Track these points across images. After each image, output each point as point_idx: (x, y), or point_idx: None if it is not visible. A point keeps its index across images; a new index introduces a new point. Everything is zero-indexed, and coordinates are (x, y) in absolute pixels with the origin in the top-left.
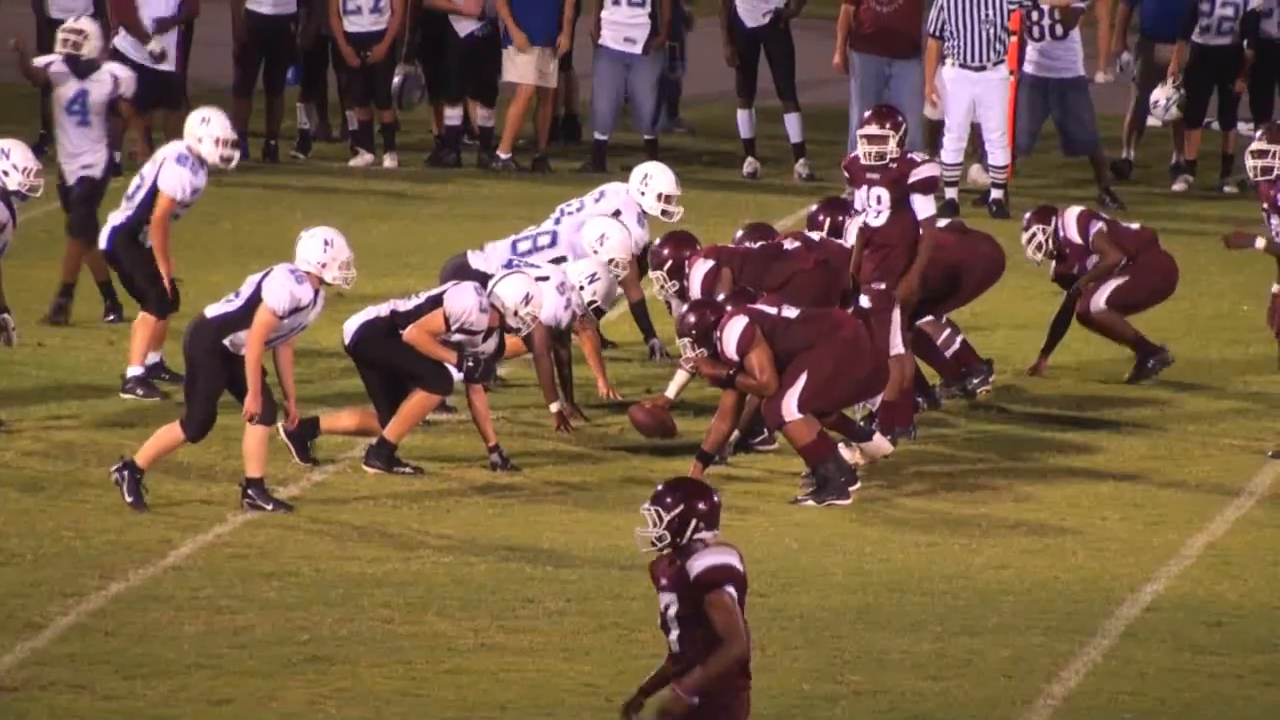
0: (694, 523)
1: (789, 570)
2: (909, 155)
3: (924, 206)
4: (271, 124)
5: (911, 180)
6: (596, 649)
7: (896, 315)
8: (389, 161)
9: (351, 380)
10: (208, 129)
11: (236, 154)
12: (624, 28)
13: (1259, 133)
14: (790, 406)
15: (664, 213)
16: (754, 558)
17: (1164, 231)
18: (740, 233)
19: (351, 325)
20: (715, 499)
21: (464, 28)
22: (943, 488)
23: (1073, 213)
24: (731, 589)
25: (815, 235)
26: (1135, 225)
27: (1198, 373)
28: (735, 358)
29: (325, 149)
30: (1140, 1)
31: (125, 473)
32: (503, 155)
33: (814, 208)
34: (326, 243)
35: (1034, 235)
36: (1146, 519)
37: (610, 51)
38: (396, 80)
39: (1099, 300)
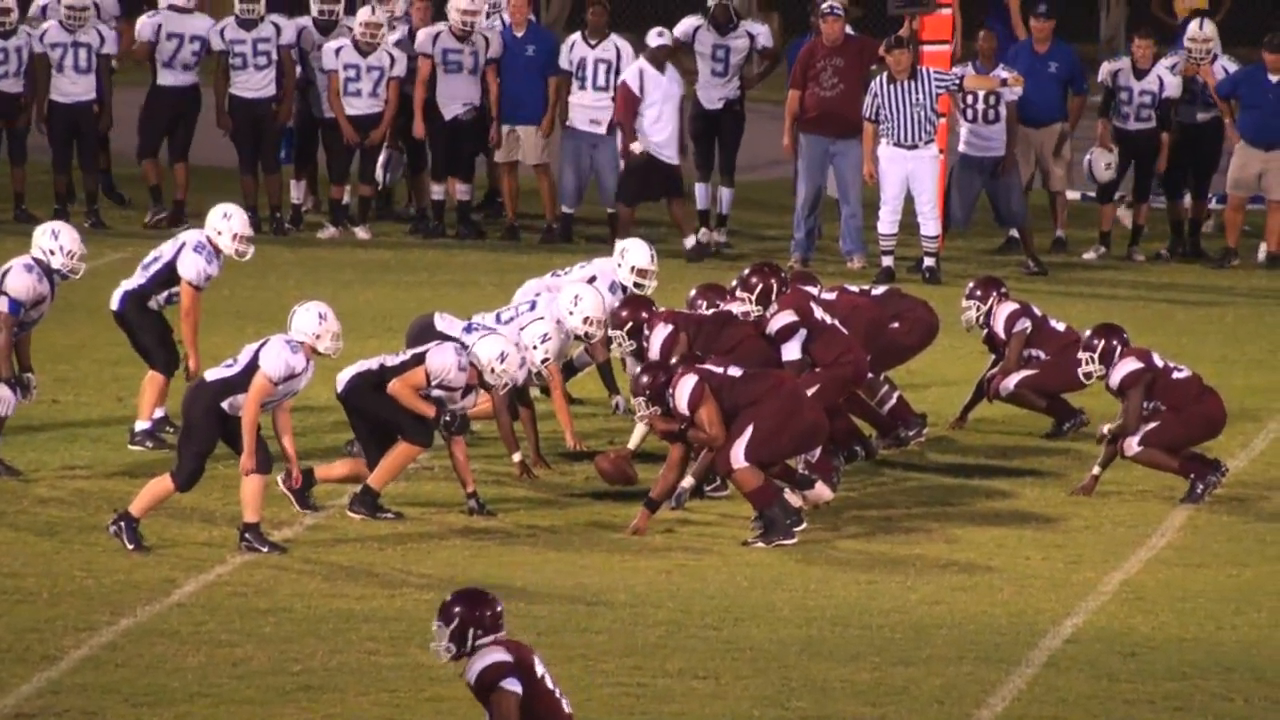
0: (471, 631)
1: (740, 606)
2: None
3: (790, 351)
4: (271, 199)
5: (769, 332)
6: (564, 678)
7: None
8: (362, 234)
9: (342, 434)
10: (228, 224)
11: (251, 249)
12: (590, 110)
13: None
14: (738, 456)
15: (636, 285)
16: (708, 594)
17: (1080, 296)
18: (694, 292)
19: (344, 376)
20: (490, 606)
21: (449, 111)
22: (881, 531)
23: (1005, 309)
24: (510, 682)
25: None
26: (1062, 326)
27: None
28: (687, 413)
29: (315, 221)
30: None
31: (122, 524)
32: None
33: (746, 270)
34: (321, 316)
35: (969, 309)
36: (1066, 559)
37: (576, 132)
38: (381, 159)
39: (1009, 384)
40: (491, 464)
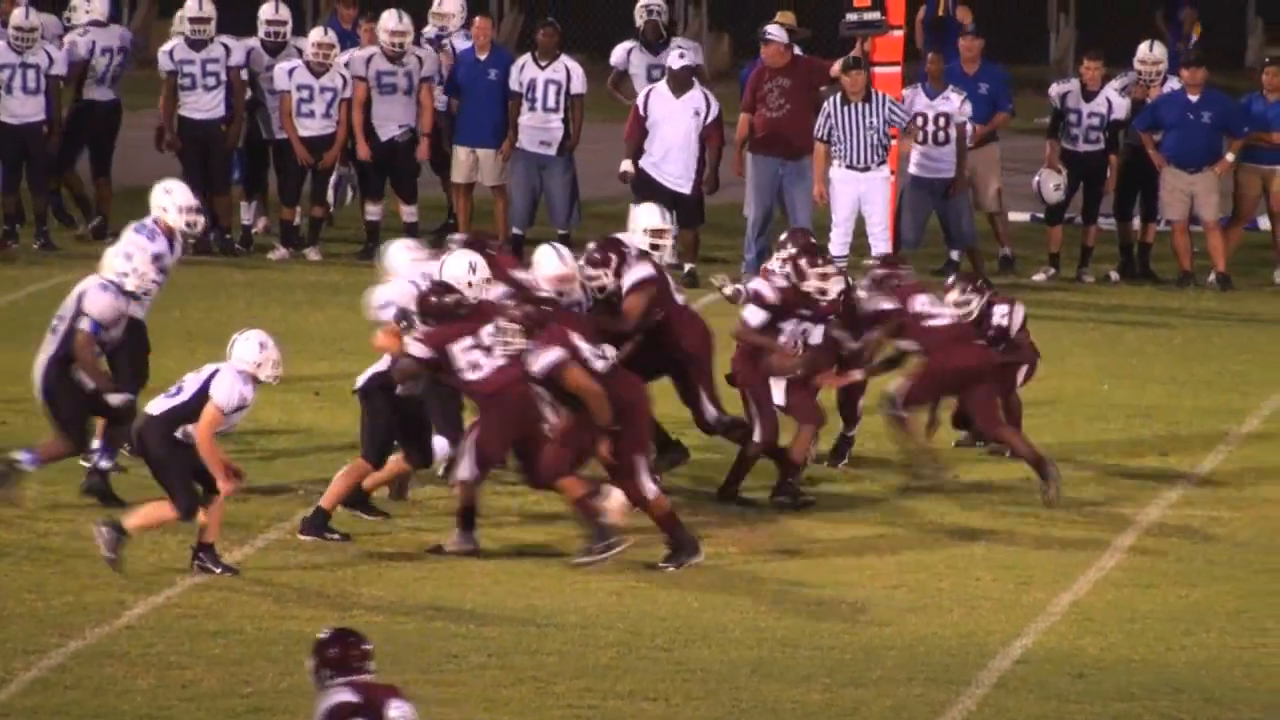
0: (322, 671)
1: (691, 627)
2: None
3: (752, 316)
4: (221, 219)
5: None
6: (515, 700)
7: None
8: (313, 255)
9: (299, 459)
10: (171, 199)
11: (201, 219)
12: (539, 131)
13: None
14: (647, 485)
15: (653, 246)
16: (658, 616)
17: (1032, 317)
18: (591, 245)
19: (363, 377)
20: (349, 647)
21: (385, 133)
22: (830, 552)
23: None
24: None
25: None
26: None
27: (1062, 446)
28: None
29: (265, 242)
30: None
31: (110, 530)
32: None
33: (591, 245)
34: (261, 345)
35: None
36: (1016, 579)
37: (526, 153)
38: (333, 180)
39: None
40: (440, 488)
